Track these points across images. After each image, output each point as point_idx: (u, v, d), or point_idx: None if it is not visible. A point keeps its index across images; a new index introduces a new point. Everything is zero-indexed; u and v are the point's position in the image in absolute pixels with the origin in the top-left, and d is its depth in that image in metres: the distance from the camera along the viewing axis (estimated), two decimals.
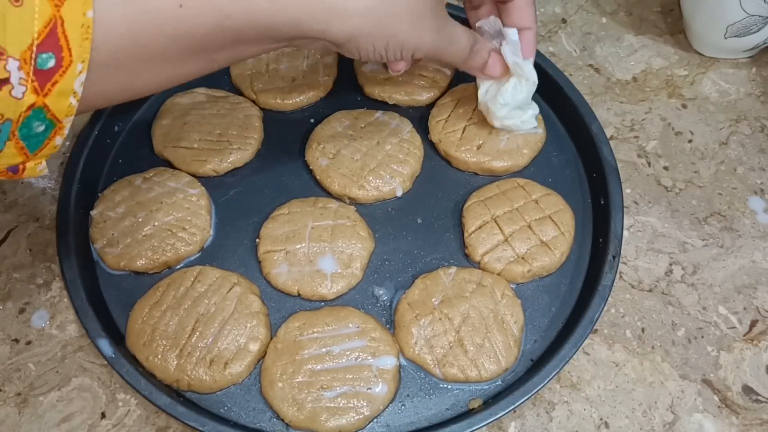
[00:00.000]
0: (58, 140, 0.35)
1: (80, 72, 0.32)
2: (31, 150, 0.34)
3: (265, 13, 0.38)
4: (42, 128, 0.33)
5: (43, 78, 0.31)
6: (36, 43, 0.30)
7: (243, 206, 0.56)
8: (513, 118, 0.55)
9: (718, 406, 0.49)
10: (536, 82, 0.53)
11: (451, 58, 0.48)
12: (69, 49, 0.31)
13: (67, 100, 0.33)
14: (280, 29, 0.39)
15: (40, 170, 0.35)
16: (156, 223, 0.53)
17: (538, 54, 0.62)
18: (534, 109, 0.56)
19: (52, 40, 0.31)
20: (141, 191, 0.55)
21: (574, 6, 0.71)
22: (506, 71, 0.52)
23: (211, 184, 0.57)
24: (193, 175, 0.57)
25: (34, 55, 0.30)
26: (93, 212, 0.54)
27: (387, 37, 0.42)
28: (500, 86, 0.53)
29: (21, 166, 0.34)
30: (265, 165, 0.59)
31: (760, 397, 0.50)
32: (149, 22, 0.35)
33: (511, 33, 0.51)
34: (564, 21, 0.71)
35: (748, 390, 0.50)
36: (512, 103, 0.54)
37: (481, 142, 0.58)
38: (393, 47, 0.43)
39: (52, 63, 0.31)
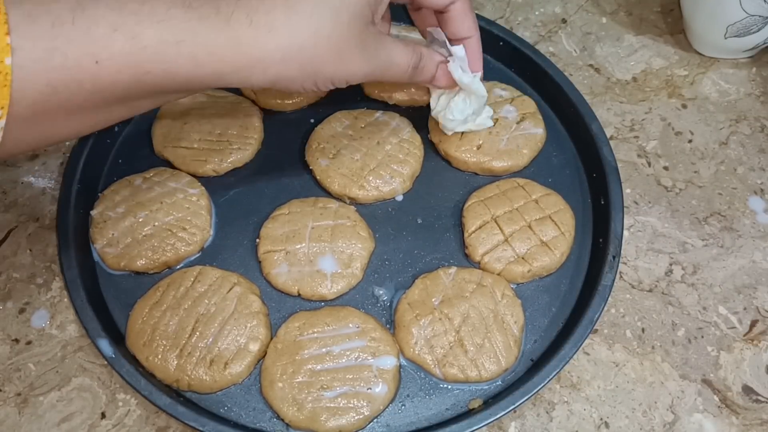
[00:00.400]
0: None
1: None
2: None
3: (185, 70, 0.38)
4: None
5: None
6: None
7: (243, 206, 0.56)
8: (466, 124, 0.56)
9: (718, 406, 0.49)
10: (485, 95, 0.53)
11: (392, 79, 0.47)
12: None
13: None
14: (201, 82, 0.39)
15: None
16: (156, 223, 0.53)
17: (539, 54, 0.62)
18: (487, 112, 0.57)
19: None
20: (141, 191, 0.55)
21: (574, 6, 0.71)
22: (454, 82, 0.51)
23: (211, 184, 0.57)
24: (193, 175, 0.57)
25: None
26: (93, 212, 0.54)
27: (313, 76, 0.42)
28: (450, 99, 0.53)
29: None
30: (265, 165, 0.59)
31: (760, 397, 0.50)
32: (68, 78, 0.35)
33: (458, 49, 0.50)
34: (564, 21, 0.71)
35: (748, 390, 0.50)
36: (461, 117, 0.54)
37: (481, 142, 0.58)
38: (323, 82, 0.43)
39: None
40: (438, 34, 0.50)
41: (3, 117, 0.33)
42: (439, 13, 0.50)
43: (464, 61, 0.50)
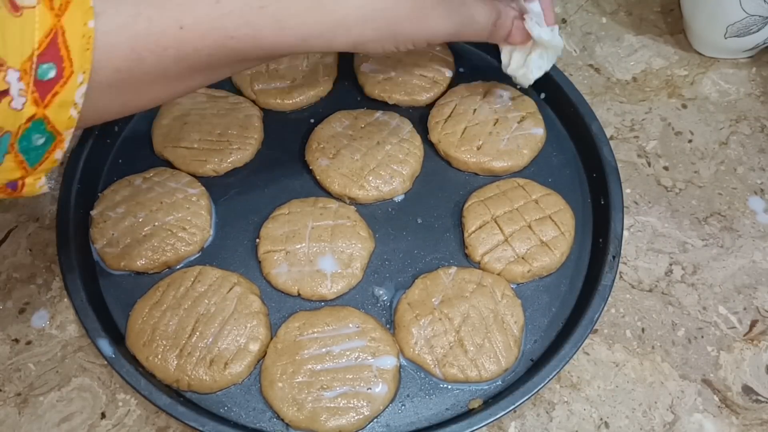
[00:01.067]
0: (58, 154, 0.34)
1: (81, 83, 0.32)
2: (31, 164, 0.33)
3: (269, 34, 0.38)
4: (42, 141, 0.32)
5: (43, 89, 0.31)
6: (37, 53, 0.30)
7: (243, 206, 0.56)
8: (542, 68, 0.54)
9: (718, 406, 0.49)
10: (562, 45, 0.52)
11: (470, 38, 0.48)
12: (70, 60, 0.31)
13: (67, 111, 0.32)
14: (285, 46, 0.39)
15: (39, 186, 0.35)
16: (156, 223, 0.53)
17: None
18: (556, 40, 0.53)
19: (52, 50, 0.30)
20: (141, 191, 0.55)
21: (574, 6, 0.71)
22: (528, 37, 0.51)
23: (211, 184, 0.57)
24: (193, 175, 0.57)
25: (34, 66, 0.30)
26: (93, 212, 0.54)
27: (393, 37, 0.42)
28: (525, 56, 0.52)
29: (20, 182, 0.34)
30: (265, 165, 0.59)
31: (760, 397, 0.50)
32: (152, 44, 0.34)
33: (533, 5, 0.49)
34: (564, 21, 0.70)
35: (748, 390, 0.50)
36: (540, 74, 0.53)
37: (481, 142, 0.58)
38: (403, 42, 0.43)
39: (52, 74, 0.31)
40: None
41: (85, 82, 0.32)
42: None
43: (540, 17, 0.49)
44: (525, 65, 0.53)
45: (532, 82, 0.54)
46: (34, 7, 0.30)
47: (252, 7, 0.37)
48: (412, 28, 0.42)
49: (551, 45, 0.51)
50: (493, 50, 0.64)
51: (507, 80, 0.62)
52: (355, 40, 0.40)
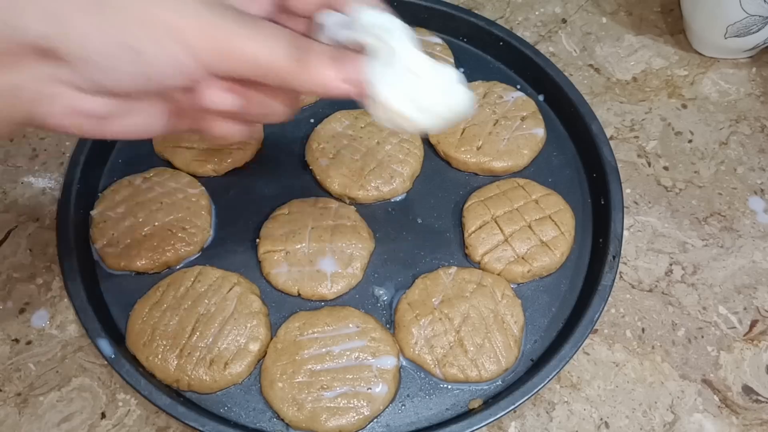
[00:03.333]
0: None
1: None
2: None
3: None
4: None
5: None
6: None
7: (243, 206, 0.56)
8: (436, 109, 0.34)
9: (718, 406, 0.49)
10: (410, 33, 0.33)
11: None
12: None
13: None
14: None
15: None
16: (156, 223, 0.53)
17: (539, 54, 0.62)
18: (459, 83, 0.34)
19: None
20: (141, 191, 0.55)
21: (574, 6, 0.71)
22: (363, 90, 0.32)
23: (211, 184, 0.57)
24: (193, 175, 0.57)
25: None
26: (93, 212, 0.54)
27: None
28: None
29: None
30: (265, 165, 0.58)
31: (760, 397, 0.50)
32: None
33: (327, 15, 0.33)
34: (564, 21, 0.71)
35: (748, 390, 0.50)
36: (414, 110, 0.33)
37: (480, 142, 0.58)
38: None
39: None
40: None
41: None
42: None
43: (342, 18, 0.33)
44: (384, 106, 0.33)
45: (416, 124, 0.34)
46: None
47: None
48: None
49: (385, 41, 0.31)
50: (493, 50, 0.64)
51: (507, 80, 0.63)
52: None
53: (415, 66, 0.32)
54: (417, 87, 0.32)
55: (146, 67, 0.28)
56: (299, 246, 0.53)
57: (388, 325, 0.51)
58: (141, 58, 0.28)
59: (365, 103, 0.33)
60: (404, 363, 0.49)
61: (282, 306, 0.52)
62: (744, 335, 0.52)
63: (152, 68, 0.28)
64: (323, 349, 0.48)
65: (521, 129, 0.58)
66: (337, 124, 0.59)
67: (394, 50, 0.31)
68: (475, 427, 0.45)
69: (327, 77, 0.31)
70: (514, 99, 0.60)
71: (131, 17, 0.27)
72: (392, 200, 0.57)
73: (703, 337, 0.52)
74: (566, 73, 0.62)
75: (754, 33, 0.61)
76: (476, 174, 0.58)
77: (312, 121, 0.60)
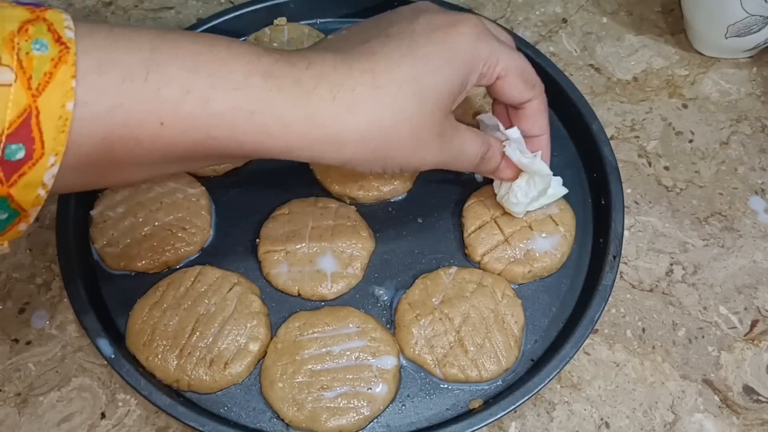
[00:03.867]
0: (23, 227, 0.32)
1: (52, 165, 0.30)
2: None
3: (254, 140, 0.36)
4: (5, 216, 0.31)
5: (9, 168, 0.29)
6: (7, 133, 0.28)
7: (243, 206, 0.56)
8: (537, 202, 0.52)
9: (719, 406, 0.49)
10: (550, 173, 0.50)
11: (459, 168, 0.46)
12: (42, 141, 0.30)
13: (35, 191, 0.31)
14: (269, 152, 0.37)
15: (0, 249, 0.33)
16: (156, 223, 0.53)
17: (539, 54, 0.62)
18: (557, 182, 0.53)
19: (24, 131, 0.29)
20: (141, 191, 0.55)
21: (575, 6, 0.71)
22: (517, 173, 0.50)
23: (211, 184, 0.57)
24: (193, 175, 0.57)
25: (1, 146, 0.29)
26: (93, 212, 0.54)
27: (383, 159, 0.40)
28: (511, 184, 0.51)
29: None
30: (265, 165, 0.58)
31: (761, 398, 0.50)
32: (126, 136, 0.33)
33: (512, 131, 0.47)
34: (564, 21, 0.70)
35: (748, 390, 0.50)
36: (526, 200, 0.51)
37: None
38: (391, 167, 0.41)
39: (21, 155, 0.29)
40: (489, 120, 0.49)
41: (57, 164, 0.30)
42: (514, 108, 0.48)
43: (521, 143, 0.48)
44: (510, 190, 0.51)
45: (521, 211, 0.52)
46: (10, 85, 0.28)
47: (241, 111, 0.34)
48: (404, 155, 0.40)
49: (532, 170, 0.49)
50: None
51: None
52: (347, 158, 0.38)
53: (539, 172, 0.50)
54: (538, 189, 0.51)
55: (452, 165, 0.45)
56: (299, 246, 0.52)
57: (388, 325, 0.51)
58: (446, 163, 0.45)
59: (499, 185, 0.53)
60: (404, 363, 0.49)
61: (282, 306, 0.52)
62: (745, 335, 0.52)
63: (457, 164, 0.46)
64: (323, 349, 0.48)
65: None
66: None
67: (522, 143, 0.49)
68: (475, 428, 0.45)
69: (499, 169, 0.49)
70: None
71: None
72: (392, 200, 0.57)
73: (703, 337, 0.52)
74: (567, 73, 0.62)
75: (754, 33, 0.61)
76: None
77: None
